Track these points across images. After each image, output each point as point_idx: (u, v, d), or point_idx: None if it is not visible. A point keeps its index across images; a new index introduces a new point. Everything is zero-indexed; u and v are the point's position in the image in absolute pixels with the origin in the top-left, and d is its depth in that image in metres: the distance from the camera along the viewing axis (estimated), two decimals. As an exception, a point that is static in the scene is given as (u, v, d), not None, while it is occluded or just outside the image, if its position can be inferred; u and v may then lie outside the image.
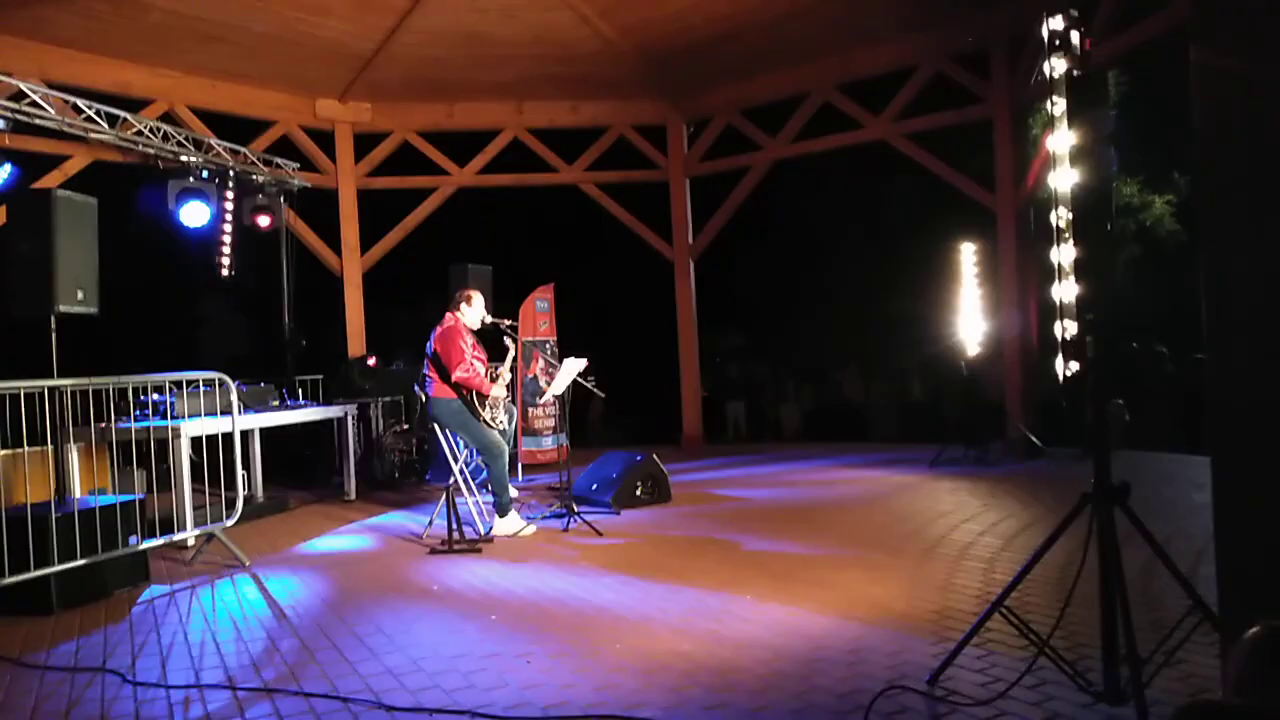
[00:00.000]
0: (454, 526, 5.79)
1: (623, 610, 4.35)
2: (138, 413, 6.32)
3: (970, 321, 9.02)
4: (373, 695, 3.36)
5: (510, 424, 6.56)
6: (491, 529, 6.20)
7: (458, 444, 6.52)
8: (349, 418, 8.40)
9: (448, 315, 6.35)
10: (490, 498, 6.34)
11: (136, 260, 10.59)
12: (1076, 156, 2.78)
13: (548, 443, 9.38)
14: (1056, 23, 2.80)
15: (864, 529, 6.04)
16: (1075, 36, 2.81)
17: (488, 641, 3.94)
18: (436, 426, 6.40)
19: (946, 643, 3.57)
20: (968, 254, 9.03)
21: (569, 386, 6.71)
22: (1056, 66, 2.82)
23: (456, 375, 6.10)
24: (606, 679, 3.43)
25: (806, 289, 15.94)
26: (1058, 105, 2.83)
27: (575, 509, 6.42)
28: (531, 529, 6.24)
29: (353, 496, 8.27)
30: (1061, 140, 2.82)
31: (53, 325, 5.00)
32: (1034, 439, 8.76)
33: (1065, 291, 2.83)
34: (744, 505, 7.23)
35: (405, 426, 9.36)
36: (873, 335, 14.90)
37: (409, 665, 3.68)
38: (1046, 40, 2.82)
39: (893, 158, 10.19)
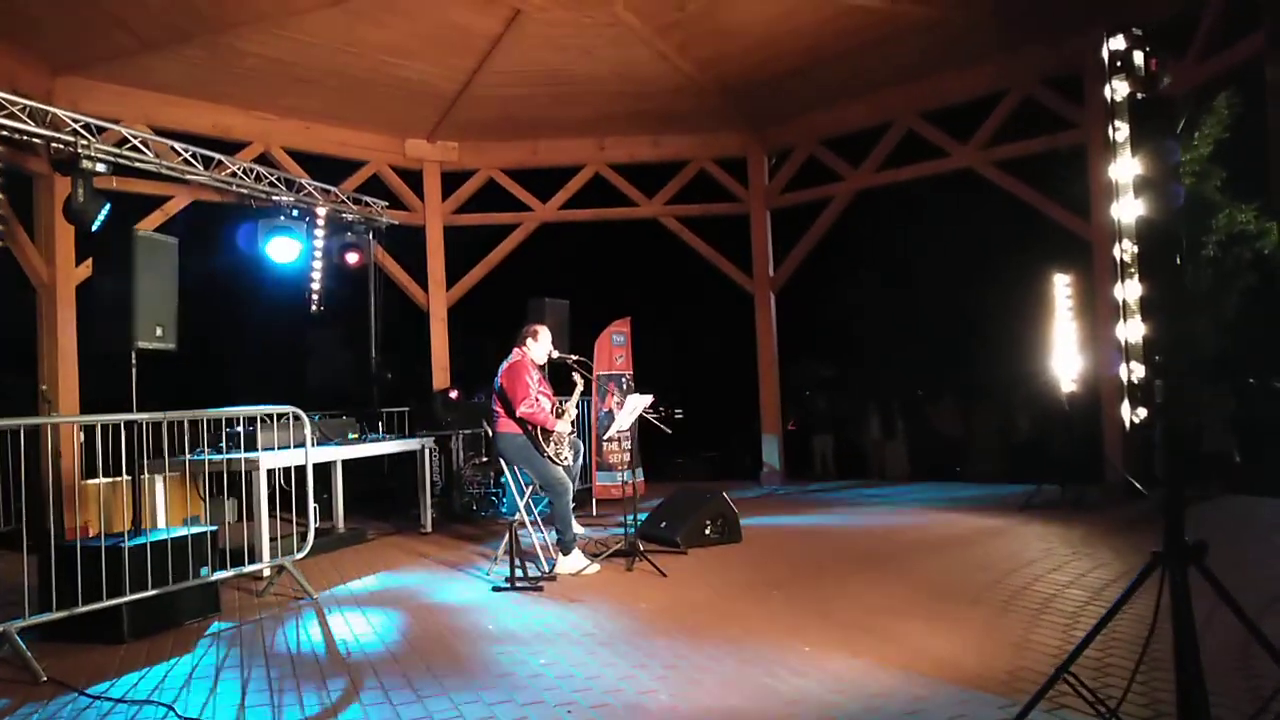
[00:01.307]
0: (515, 564, 5.74)
1: (675, 658, 4.21)
2: (220, 445, 6.52)
3: (1064, 356, 8.58)
4: (408, 741, 3.31)
5: (576, 460, 6.50)
6: (555, 566, 6.13)
7: (523, 479, 6.50)
8: (426, 451, 8.50)
9: (514, 350, 6.36)
10: (556, 535, 6.28)
11: (231, 295, 11.02)
12: (1141, 186, 2.56)
13: (620, 478, 9.30)
14: (1118, 43, 2.60)
15: (941, 576, 5.74)
16: (1139, 57, 2.60)
17: (532, 690, 3.85)
18: (502, 461, 6.39)
19: (1015, 706, 3.31)
20: (1061, 285, 8.60)
21: (636, 422, 6.63)
22: (1118, 90, 2.62)
23: (521, 410, 6.08)
24: (645, 733, 3.30)
25: (895, 320, 15.50)
26: (1120, 131, 2.62)
27: (640, 548, 6.30)
28: (595, 568, 6.15)
29: (429, 529, 8.35)
30: (1125, 168, 2.61)
31: (133, 361, 5.19)
32: (1134, 481, 8.23)
33: (1131, 331, 2.60)
34: (817, 547, 6.99)
35: (484, 459, 9.42)
36: (966, 369, 14.36)
37: (450, 711, 3.62)
38: (1107, 62, 2.62)
39: (982, 185, 9.84)
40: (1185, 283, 2.50)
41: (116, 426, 5.08)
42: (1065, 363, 8.59)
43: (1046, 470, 8.74)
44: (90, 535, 6.71)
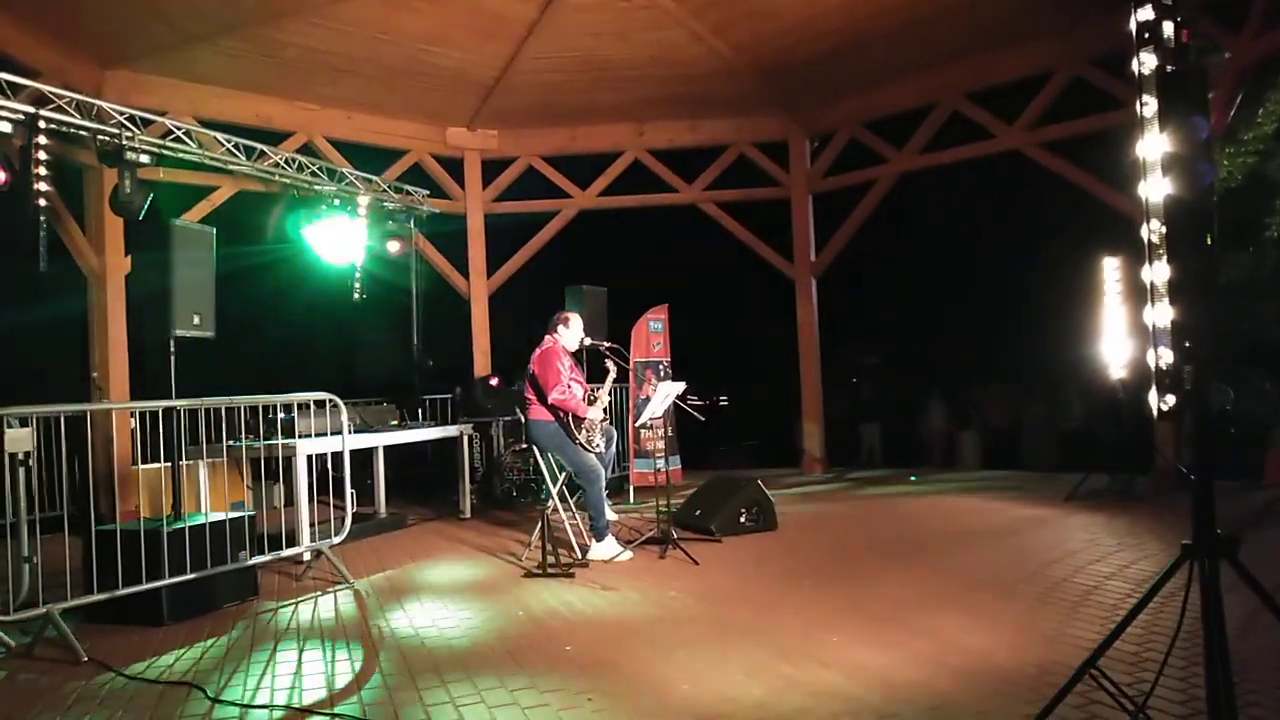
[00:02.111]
0: (547, 550, 5.76)
1: (701, 647, 4.18)
2: (261, 432, 6.63)
3: (1114, 341, 8.33)
4: (427, 726, 3.33)
5: (609, 447, 6.49)
6: (587, 553, 6.14)
7: (557, 466, 6.51)
8: (464, 437, 8.56)
9: (546, 337, 6.36)
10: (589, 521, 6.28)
11: (276, 283, 11.18)
12: (1169, 164, 2.45)
13: (657, 465, 9.27)
14: (1145, 13, 2.49)
15: (978, 567, 5.62)
16: (1169, 28, 2.48)
17: (555, 675, 3.85)
18: (535, 448, 6.41)
19: (1043, 701, 3.22)
20: (1110, 268, 8.35)
21: (671, 409, 6.59)
22: (1146, 62, 2.50)
23: (553, 398, 6.09)
24: (663, 722, 3.28)
25: (940, 306, 15.22)
26: (1148, 106, 2.51)
27: (674, 536, 6.28)
28: (628, 555, 6.14)
29: (468, 515, 8.42)
30: (1153, 145, 2.50)
31: (171, 349, 5.28)
32: (1185, 470, 7.98)
33: (1159, 315, 2.50)
34: (853, 536, 6.89)
35: (524, 445, 9.46)
36: (1015, 354, 14.05)
37: (471, 695, 3.63)
38: (1134, 33, 2.51)
39: (1029, 167, 9.57)
40: (1218, 264, 2.37)
41: (164, 413, 5.19)
42: (1115, 348, 8.35)
43: (1096, 458, 8.52)
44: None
